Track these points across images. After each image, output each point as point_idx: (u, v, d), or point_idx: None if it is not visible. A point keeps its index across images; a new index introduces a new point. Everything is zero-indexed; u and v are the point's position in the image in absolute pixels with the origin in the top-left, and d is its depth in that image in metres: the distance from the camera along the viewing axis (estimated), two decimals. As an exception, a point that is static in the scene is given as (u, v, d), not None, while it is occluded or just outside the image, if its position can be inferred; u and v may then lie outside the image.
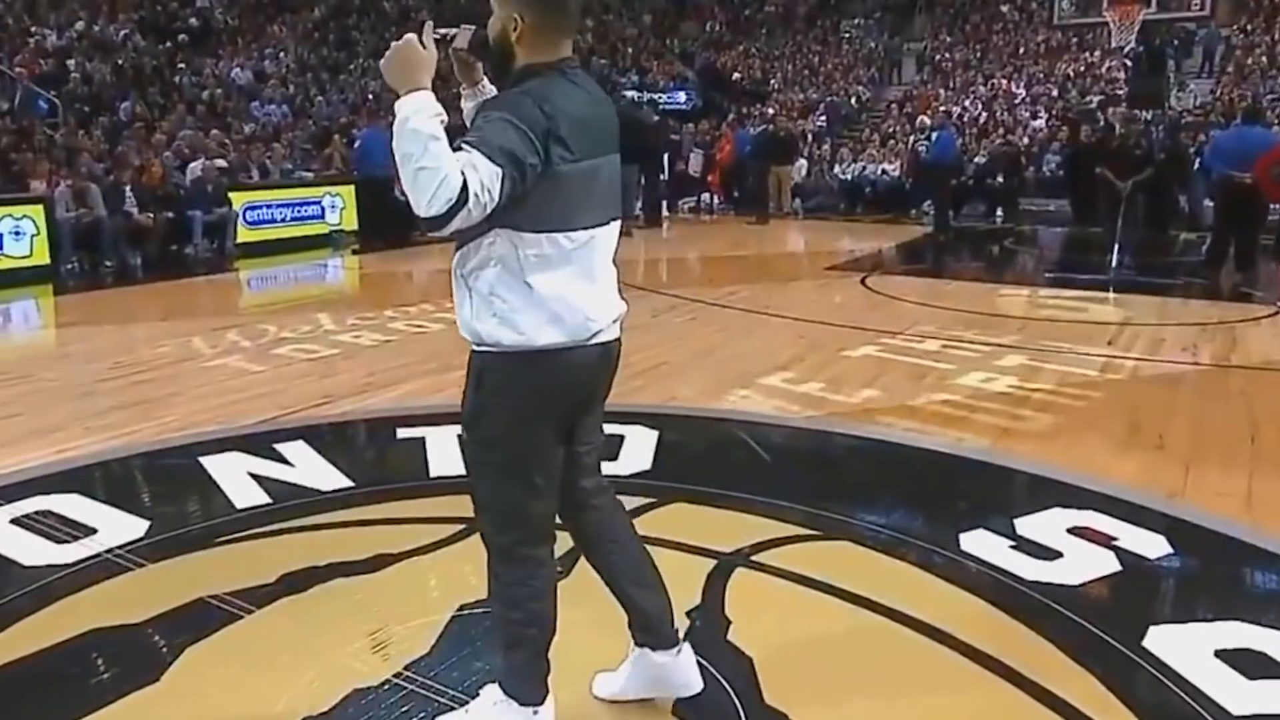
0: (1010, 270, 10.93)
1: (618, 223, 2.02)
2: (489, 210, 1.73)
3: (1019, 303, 7.96)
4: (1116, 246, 9.44)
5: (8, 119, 11.97)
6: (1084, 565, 3.01)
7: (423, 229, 1.72)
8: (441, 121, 1.72)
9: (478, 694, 2.18)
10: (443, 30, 1.89)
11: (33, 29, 14.86)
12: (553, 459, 2.00)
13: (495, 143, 1.72)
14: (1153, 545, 3.15)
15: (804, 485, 3.69)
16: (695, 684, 2.20)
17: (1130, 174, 9.60)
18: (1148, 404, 4.93)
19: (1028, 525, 3.29)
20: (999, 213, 15.38)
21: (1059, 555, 3.07)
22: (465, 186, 1.66)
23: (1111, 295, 8.62)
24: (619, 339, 2.04)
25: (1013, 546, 3.13)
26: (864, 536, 3.24)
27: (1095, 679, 2.38)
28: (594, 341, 1.94)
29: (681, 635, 2.23)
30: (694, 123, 19.54)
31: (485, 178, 1.69)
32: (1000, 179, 15.60)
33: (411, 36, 1.78)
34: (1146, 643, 2.54)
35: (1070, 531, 3.24)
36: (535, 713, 2.05)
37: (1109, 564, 3.02)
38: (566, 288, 1.88)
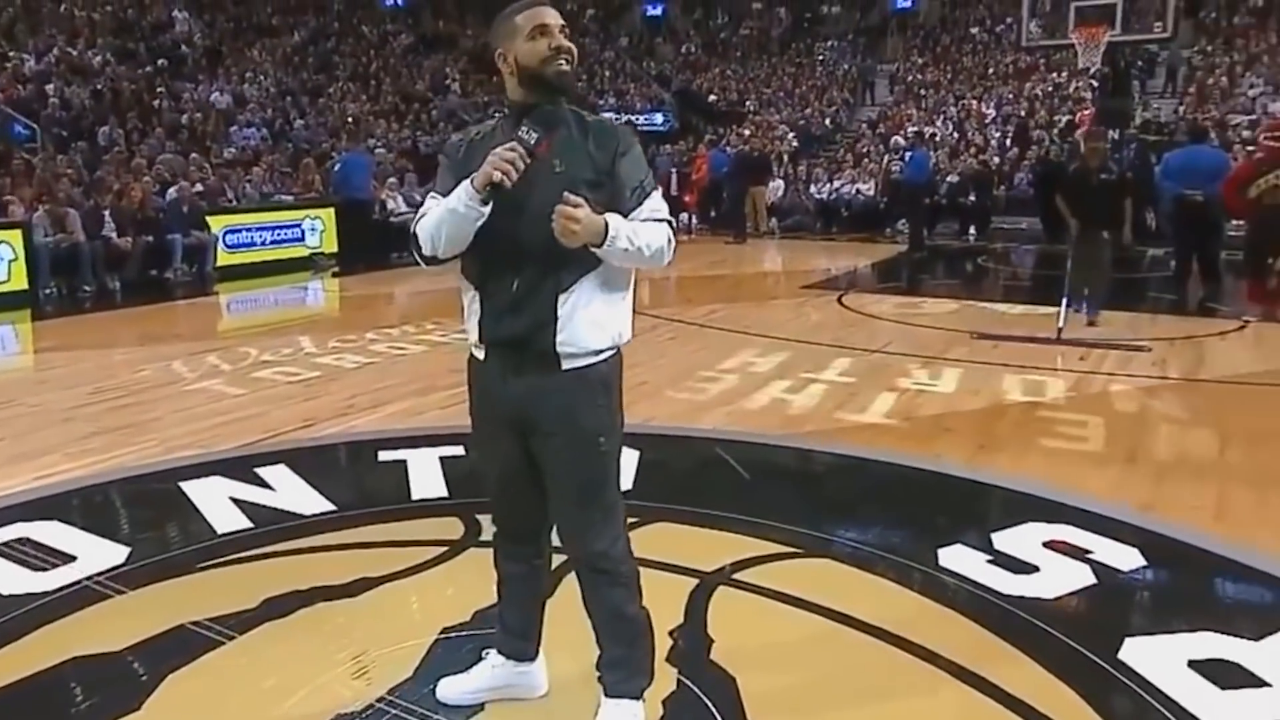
0: (985, 288, 11.04)
1: None
2: None
3: (994, 320, 8.03)
4: (1065, 302, 7.26)
5: (-15, 144, 11.88)
6: (1060, 578, 3.03)
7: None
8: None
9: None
10: (530, 146, 1.91)
11: (10, 53, 14.74)
12: None
13: (649, 172, 2.07)
14: (1126, 558, 3.18)
15: (785, 503, 3.69)
16: (543, 685, 2.37)
17: (1093, 209, 7.28)
18: (1120, 418, 4.99)
19: (1004, 540, 3.31)
20: (972, 231, 15.55)
21: (1035, 569, 3.10)
22: (671, 224, 2.04)
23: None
24: None
25: (990, 561, 3.15)
26: (844, 554, 3.25)
27: (1073, 692, 2.39)
28: None
29: (664, 655, 2.24)
30: (670, 144, 19.69)
31: (664, 206, 2.04)
32: (973, 198, 15.78)
33: (585, 207, 1.86)
34: (1122, 655, 2.56)
35: (1046, 545, 3.27)
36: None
37: (1084, 577, 3.05)
38: None
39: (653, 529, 3.43)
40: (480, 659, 2.39)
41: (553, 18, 1.97)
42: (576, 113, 2.04)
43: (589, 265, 1.97)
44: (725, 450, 4.42)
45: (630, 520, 3.39)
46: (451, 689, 2.35)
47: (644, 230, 1.95)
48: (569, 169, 1.95)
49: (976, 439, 4.62)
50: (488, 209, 1.92)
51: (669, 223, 2.03)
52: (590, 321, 1.99)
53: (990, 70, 22.70)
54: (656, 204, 2.01)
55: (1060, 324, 7.04)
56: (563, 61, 1.95)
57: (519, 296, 1.98)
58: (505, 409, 2.07)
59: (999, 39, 23.74)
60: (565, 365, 2.00)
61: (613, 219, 1.91)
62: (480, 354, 2.10)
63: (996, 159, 17.30)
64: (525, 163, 1.88)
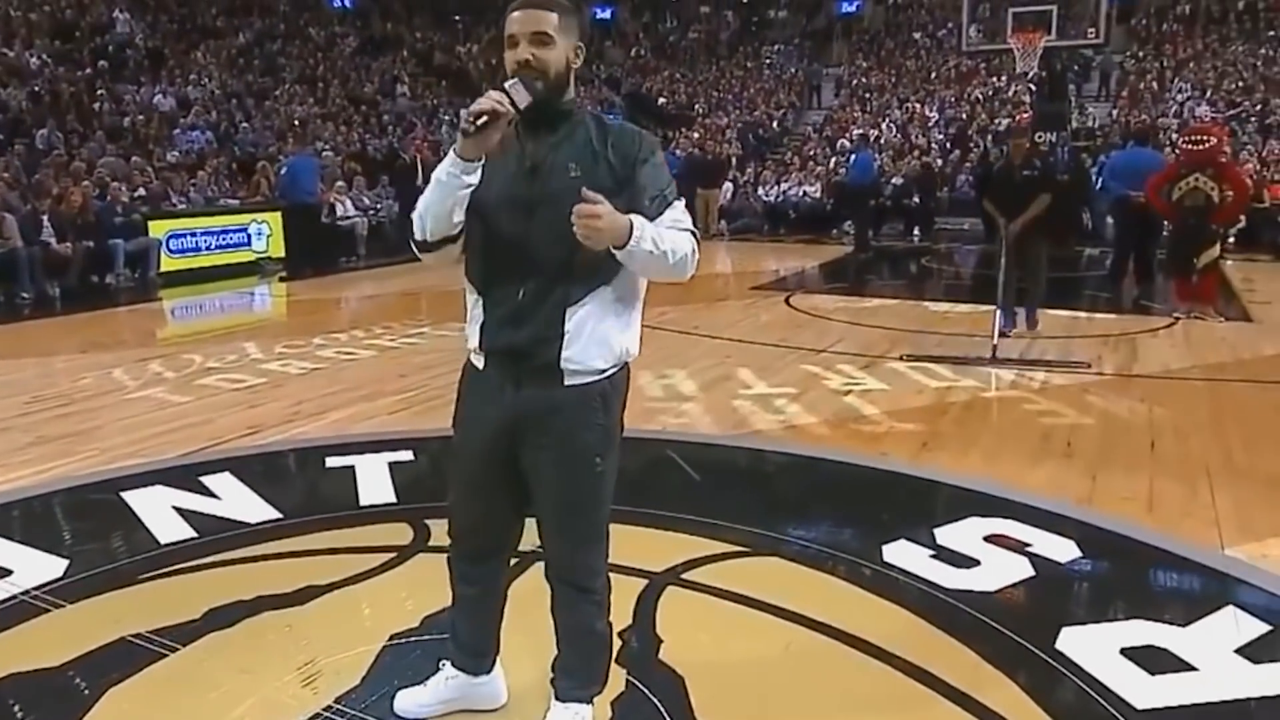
0: (928, 287, 11.21)
1: None
2: None
3: (936, 319, 8.16)
4: (999, 312, 6.75)
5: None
6: (1000, 571, 3.09)
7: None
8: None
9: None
10: (505, 102, 1.79)
11: (-56, 56, 14.28)
12: None
13: (670, 181, 1.95)
14: (1063, 550, 3.26)
15: (734, 503, 3.71)
16: (502, 695, 2.33)
17: (1016, 207, 6.90)
18: (1057, 414, 5.10)
19: (946, 535, 3.37)
20: (916, 232, 15.78)
21: (976, 563, 3.15)
22: (695, 234, 1.93)
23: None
24: None
25: (933, 556, 3.20)
26: (792, 552, 3.28)
27: (1012, 682, 2.44)
28: None
29: (614, 656, 2.24)
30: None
31: (686, 216, 1.94)
32: (917, 199, 16.01)
33: (607, 205, 1.75)
34: (1059, 644, 2.62)
35: (986, 539, 3.33)
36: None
37: (1023, 569, 3.11)
38: None
39: (603, 531, 3.43)
40: (438, 669, 2.34)
41: (520, 25, 1.86)
42: (597, 117, 1.97)
43: (602, 279, 1.90)
44: (675, 451, 4.43)
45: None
46: (408, 701, 2.31)
47: (669, 235, 1.85)
48: (585, 174, 1.85)
49: (920, 437, 4.69)
50: (472, 179, 1.84)
51: (693, 233, 1.92)
52: (599, 339, 1.92)
53: (933, 74, 23.09)
54: (679, 214, 1.91)
55: (994, 340, 6.46)
56: (519, 80, 1.82)
57: (524, 306, 1.90)
58: (499, 421, 1.98)
59: (940, 44, 24.17)
60: (568, 381, 1.93)
61: (637, 219, 1.81)
62: (479, 362, 2.02)
63: (939, 161, 17.59)
64: (506, 109, 1.78)
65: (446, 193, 1.86)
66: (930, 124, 20.18)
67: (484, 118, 1.77)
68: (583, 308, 1.90)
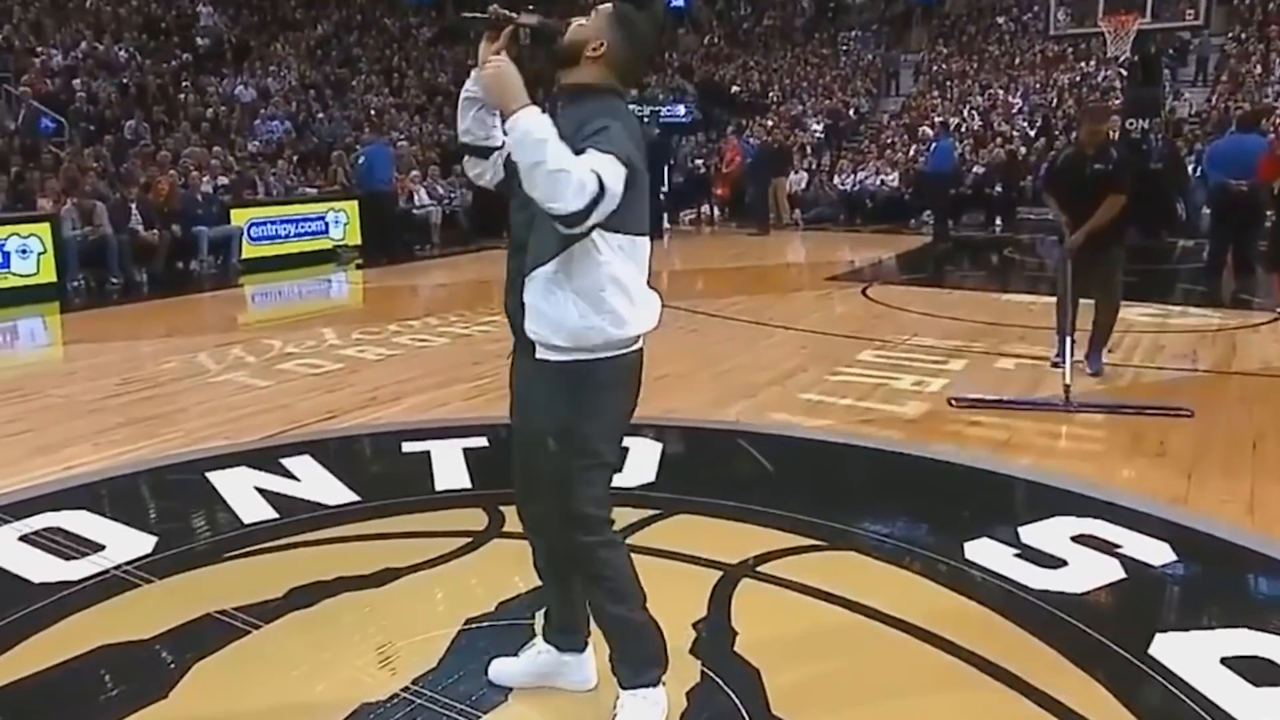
0: (1010, 279, 10.93)
1: None
2: (617, 201, 1.83)
3: (1019, 311, 7.95)
4: (1068, 341, 5.29)
5: (14, 138, 12.01)
6: (1089, 573, 3.00)
7: (562, 228, 1.82)
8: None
9: (486, 709, 2.17)
10: (511, 12, 1.99)
11: (38, 49, 14.90)
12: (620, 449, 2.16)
13: (617, 142, 1.85)
14: (1157, 552, 3.14)
15: (808, 496, 3.67)
16: (593, 679, 2.34)
17: (1082, 206, 5.34)
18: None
19: (1032, 533, 3.28)
20: (997, 222, 15.40)
21: (1064, 563, 3.06)
22: (601, 183, 1.77)
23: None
24: None
25: (1017, 555, 3.12)
26: (869, 546, 3.23)
27: (1102, 686, 2.37)
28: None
29: (688, 647, 2.23)
30: (692, 135, 19.62)
31: (613, 174, 1.81)
32: (998, 188, 15.63)
33: (505, 59, 1.88)
34: (1152, 650, 2.53)
35: (1074, 539, 3.23)
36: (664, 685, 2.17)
37: (1114, 571, 3.01)
38: (642, 284, 2.05)
39: (675, 521, 3.44)
40: (530, 643, 2.38)
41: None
42: (602, 102, 1.97)
43: (542, 257, 1.96)
44: (748, 442, 4.40)
45: (653, 512, 3.45)
46: (501, 669, 2.38)
47: (563, 148, 1.77)
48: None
49: (1002, 432, 4.57)
50: (473, 88, 2.06)
51: (600, 182, 1.76)
52: (547, 317, 1.97)
53: (1017, 59, 22.48)
54: (596, 158, 1.79)
55: (1066, 379, 5.04)
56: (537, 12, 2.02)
57: (511, 276, 2.05)
58: (516, 389, 2.15)
59: (1025, 27, 23.50)
60: (538, 355, 2.02)
61: (536, 112, 1.80)
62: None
63: (1023, 149, 17.12)
64: (505, 17, 1.96)
65: (464, 104, 2.11)
66: (1014, 111, 19.65)
67: (478, 14, 1.99)
68: (532, 282, 1.99)
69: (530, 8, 2.04)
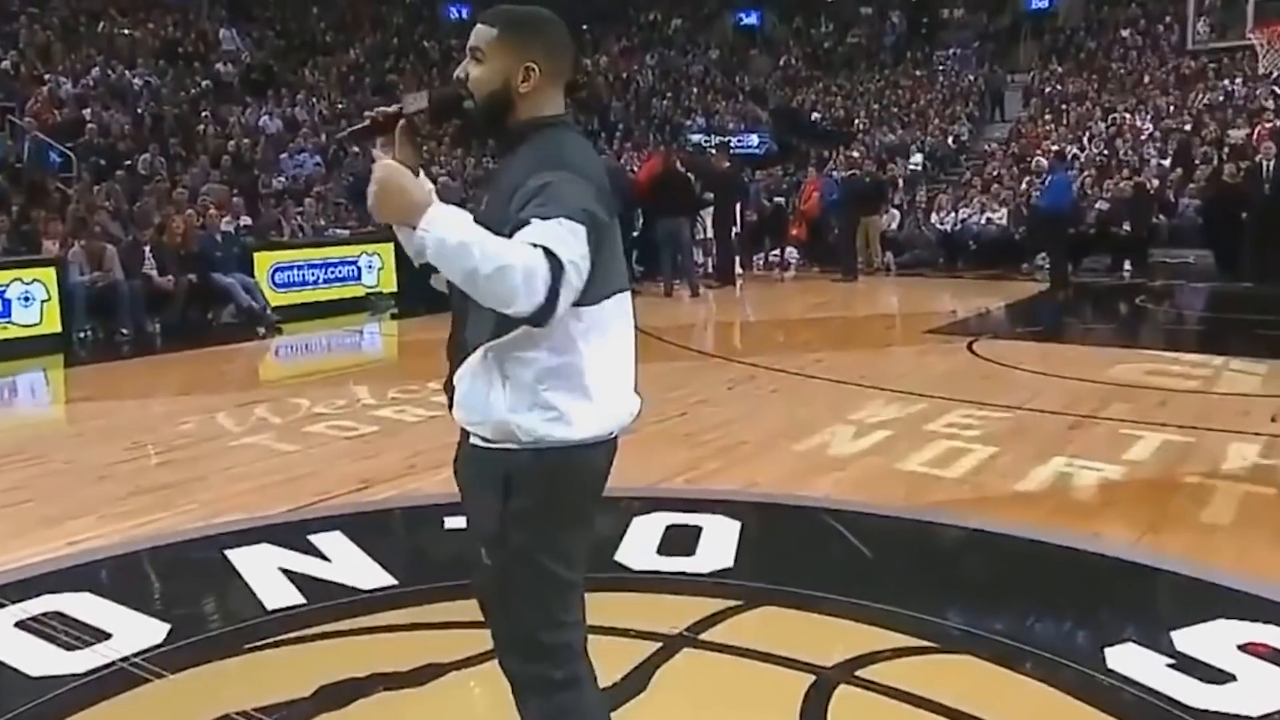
0: (1144, 334, 10.72)
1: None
2: (585, 273, 1.73)
3: (1157, 372, 7.77)
4: None
5: (18, 174, 12.46)
6: (1263, 691, 2.87)
7: (532, 326, 1.72)
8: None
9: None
10: (394, 107, 1.93)
11: (45, 76, 15.51)
12: (582, 566, 2.00)
13: (562, 199, 1.73)
14: (1345, 666, 3.00)
15: (914, 587, 3.61)
16: None
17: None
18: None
19: (1188, 639, 3.16)
20: (1126, 266, 15.16)
21: (1231, 678, 2.94)
22: (555, 259, 1.66)
23: (1269, 363, 8.36)
24: None
25: (1172, 665, 3.01)
26: (989, 650, 3.14)
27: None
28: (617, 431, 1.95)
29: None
30: (766, 169, 19.75)
31: (565, 241, 1.69)
32: (1127, 227, 15.41)
33: (388, 162, 1.79)
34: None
35: (1242, 649, 3.10)
36: None
37: (1293, 689, 2.88)
38: (609, 366, 1.90)
39: (758, 614, 3.39)
40: None
41: (470, 38, 1.94)
42: (556, 138, 1.91)
43: (482, 337, 1.85)
44: (840, 522, 4.33)
45: (733, 603, 3.40)
46: None
47: (493, 240, 1.68)
48: (490, 206, 1.89)
49: (1147, 515, 4.44)
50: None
51: (547, 251, 1.66)
52: (473, 403, 1.89)
53: (1146, 78, 22.29)
54: (537, 231, 1.69)
55: None
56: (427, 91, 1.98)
57: (451, 349, 1.98)
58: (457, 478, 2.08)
59: (1156, 42, 23.38)
60: (472, 440, 1.94)
61: (452, 210, 1.73)
62: None
63: (1155, 181, 16.90)
64: (385, 119, 1.90)
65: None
66: (1143, 138, 19.45)
67: (358, 126, 1.94)
68: (465, 364, 1.90)
69: (405, 96, 1.95)
